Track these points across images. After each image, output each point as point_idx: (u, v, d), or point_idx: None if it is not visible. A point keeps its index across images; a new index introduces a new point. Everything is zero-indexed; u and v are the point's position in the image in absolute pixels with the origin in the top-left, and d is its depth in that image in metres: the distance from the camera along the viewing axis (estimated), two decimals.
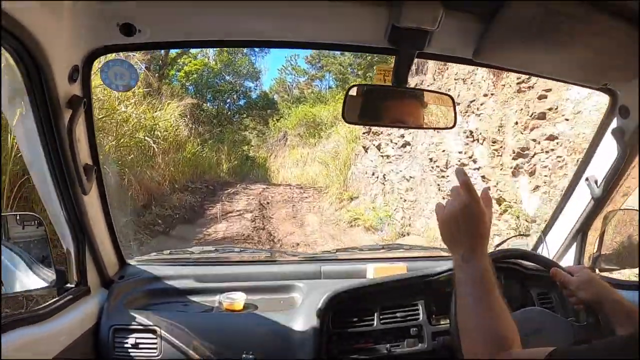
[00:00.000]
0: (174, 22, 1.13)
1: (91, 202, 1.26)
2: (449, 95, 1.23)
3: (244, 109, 20.57)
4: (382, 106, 1.18)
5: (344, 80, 20.82)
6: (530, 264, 1.47)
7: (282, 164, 18.74)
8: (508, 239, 1.77)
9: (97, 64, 1.19)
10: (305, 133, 18.11)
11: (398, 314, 1.44)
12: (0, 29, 0.83)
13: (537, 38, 1.06)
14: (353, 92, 1.17)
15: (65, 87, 1.08)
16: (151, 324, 1.33)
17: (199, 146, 12.99)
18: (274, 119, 20.89)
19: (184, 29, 1.16)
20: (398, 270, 1.56)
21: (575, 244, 1.57)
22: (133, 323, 1.33)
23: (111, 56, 1.22)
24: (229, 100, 19.93)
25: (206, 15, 1.10)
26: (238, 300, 1.44)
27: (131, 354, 1.31)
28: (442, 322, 1.45)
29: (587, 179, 1.49)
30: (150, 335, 1.32)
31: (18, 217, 1.34)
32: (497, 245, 1.52)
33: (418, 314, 1.45)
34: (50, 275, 1.26)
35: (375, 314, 1.43)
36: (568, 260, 1.60)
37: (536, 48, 1.12)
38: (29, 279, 1.27)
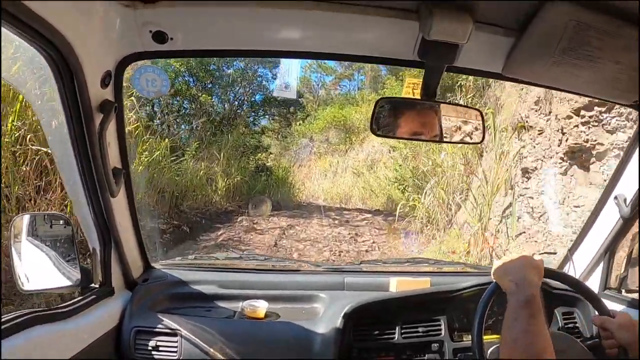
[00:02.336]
0: (205, 31, 1.15)
1: (119, 204, 1.28)
2: (479, 110, 1.22)
3: (259, 105, 14.61)
4: (411, 119, 1.18)
5: (376, 79, 18.69)
6: (556, 282, 1.44)
7: (307, 175, 16.34)
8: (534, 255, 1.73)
9: (129, 70, 1.22)
10: (335, 138, 16.39)
11: (420, 329, 1.43)
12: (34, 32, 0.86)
13: (567, 52, 1.04)
14: (382, 105, 1.17)
15: (98, 92, 1.10)
16: (173, 327, 1.34)
17: (188, 156, 9.03)
18: (297, 120, 17.36)
19: (215, 38, 1.17)
20: (421, 284, 1.54)
21: (602, 263, 1.54)
22: (155, 325, 1.34)
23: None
24: (240, 92, 13.26)
25: (237, 25, 1.12)
26: (260, 308, 1.44)
27: (152, 356, 1.32)
28: (464, 339, 1.44)
29: (615, 198, 1.46)
30: (171, 338, 1.33)
31: (46, 216, 1.37)
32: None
33: (440, 330, 1.44)
34: (76, 274, 1.28)
35: (397, 328, 1.42)
36: (594, 280, 1.56)
37: (566, 63, 1.10)
38: (55, 277, 1.30)
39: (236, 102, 13.11)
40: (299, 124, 17.30)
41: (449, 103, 1.38)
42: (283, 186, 12.76)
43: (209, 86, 12.10)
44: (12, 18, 0.79)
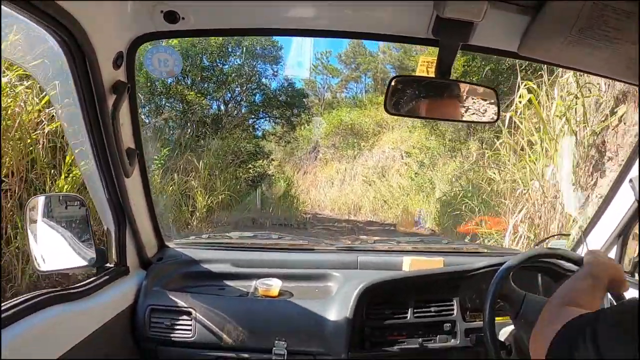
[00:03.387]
0: (217, 10, 1.14)
1: (133, 184, 1.29)
2: (493, 89, 1.21)
3: (258, 106, 12.19)
4: (425, 98, 1.16)
5: (384, 81, 17.17)
6: (569, 264, 1.43)
7: (312, 182, 14.97)
8: (548, 237, 1.72)
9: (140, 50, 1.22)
10: (342, 144, 14.78)
11: (432, 309, 1.43)
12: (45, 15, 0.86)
13: (584, 32, 1.02)
14: (395, 83, 1.16)
15: (110, 73, 1.11)
16: (187, 305, 1.36)
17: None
18: (302, 123, 14.89)
19: (227, 17, 1.16)
20: (434, 264, 1.55)
21: (615, 247, 1.53)
22: (169, 304, 1.36)
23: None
24: (237, 91, 11.28)
25: (248, 4, 1.11)
26: (274, 286, 1.46)
27: (166, 334, 1.34)
28: (476, 319, 1.44)
29: (630, 181, 1.44)
30: (185, 316, 1.35)
31: (61, 197, 1.39)
32: (537, 244, 1.48)
33: (452, 310, 1.44)
34: (91, 254, 1.30)
35: (410, 307, 1.42)
36: None
37: (582, 42, 1.08)
38: (70, 258, 1.32)
39: (231, 103, 11.24)
40: (304, 128, 15.49)
41: (464, 82, 1.36)
42: (284, 199, 10.81)
43: (200, 84, 10.35)
44: (25, 3, 0.79)
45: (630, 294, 1.33)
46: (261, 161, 11.54)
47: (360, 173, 12.98)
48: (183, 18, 1.12)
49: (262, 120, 12.55)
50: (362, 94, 18.61)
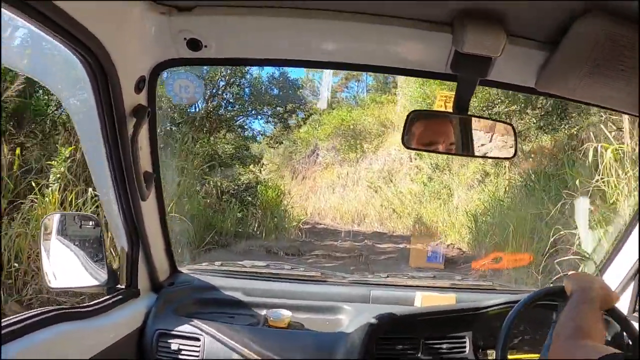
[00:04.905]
0: (239, 40, 1.16)
1: (148, 208, 1.30)
2: (510, 125, 1.21)
3: (249, 103, 9.98)
4: (443, 133, 1.17)
5: (386, 78, 16.10)
6: None
7: (312, 188, 13.51)
8: (563, 275, 1.70)
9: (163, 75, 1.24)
10: (344, 146, 13.49)
11: (444, 345, 1.41)
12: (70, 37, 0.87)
13: (600, 66, 1.02)
14: (413, 117, 1.16)
15: (131, 97, 1.12)
16: (196, 331, 1.35)
17: None
18: (299, 125, 13.69)
19: (249, 47, 1.19)
20: (447, 300, 1.53)
21: (632, 285, 1.49)
22: (178, 329, 1.36)
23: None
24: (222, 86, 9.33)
25: (271, 34, 1.13)
26: (284, 317, 1.44)
27: (173, 358, 1.33)
28: (488, 357, 1.41)
29: None
30: (193, 342, 1.34)
31: (76, 217, 1.40)
32: (553, 281, 1.46)
33: (464, 347, 1.41)
34: (103, 274, 1.30)
35: (421, 343, 1.40)
36: (624, 302, 1.52)
37: (598, 76, 1.08)
38: (82, 276, 1.32)
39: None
40: (301, 130, 14.37)
41: (481, 117, 1.36)
42: (276, 213, 8.80)
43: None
44: (50, 22, 0.81)
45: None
46: (255, 165, 9.99)
47: (364, 178, 11.77)
48: (206, 46, 1.14)
49: (255, 120, 10.88)
50: (364, 93, 17.26)
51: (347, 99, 17.47)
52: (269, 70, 10.08)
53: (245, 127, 10.46)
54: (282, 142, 12.93)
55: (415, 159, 10.29)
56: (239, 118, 10.22)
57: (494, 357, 1.30)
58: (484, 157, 1.20)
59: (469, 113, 1.16)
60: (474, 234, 7.16)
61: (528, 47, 1.08)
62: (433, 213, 8.87)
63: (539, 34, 1.06)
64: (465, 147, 1.18)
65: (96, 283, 1.31)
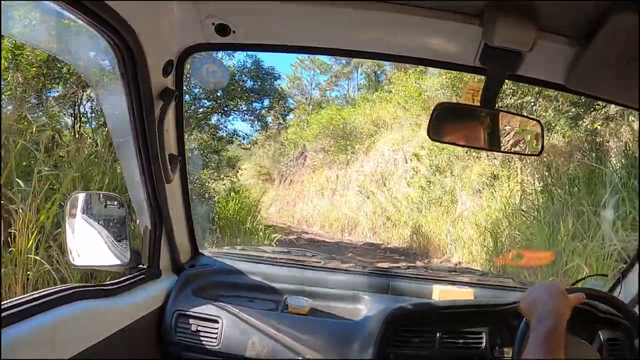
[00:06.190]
0: (268, 26, 1.17)
1: (173, 190, 1.32)
2: (538, 121, 1.19)
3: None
4: (469, 126, 1.16)
5: (377, 75, 15.65)
6: (605, 306, 1.39)
7: (300, 193, 12.70)
8: (584, 278, 1.67)
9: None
10: (333, 147, 12.55)
11: (460, 340, 1.40)
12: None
13: (632, 63, 1.00)
14: (440, 110, 1.15)
15: (159, 80, 1.14)
16: (214, 314, 1.37)
17: None
18: (286, 125, 12.69)
19: (277, 34, 1.19)
20: (464, 295, 1.52)
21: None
22: (197, 311, 1.38)
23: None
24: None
25: (300, 22, 1.13)
26: (303, 303, 1.45)
27: (191, 340, 1.35)
28: (505, 355, 1.40)
29: None
30: (212, 324, 1.36)
31: (101, 196, 1.43)
32: (573, 284, 1.44)
33: (481, 343, 1.41)
34: (125, 254, 1.33)
35: (437, 337, 1.40)
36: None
37: (630, 74, 1.05)
38: (105, 255, 1.35)
39: None
40: (287, 130, 13.54)
41: (509, 112, 1.35)
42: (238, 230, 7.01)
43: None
44: (81, 6, 0.83)
45: None
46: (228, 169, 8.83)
47: (355, 181, 10.93)
48: (234, 32, 1.15)
49: (234, 119, 9.42)
50: (355, 92, 16.53)
51: (337, 98, 16.95)
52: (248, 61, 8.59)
53: (223, 127, 8.82)
54: (257, 144, 10.88)
55: (411, 160, 9.41)
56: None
57: (511, 356, 1.29)
58: (510, 152, 1.19)
59: (496, 107, 1.15)
60: (489, 252, 6.07)
61: (559, 43, 1.06)
62: (434, 223, 7.87)
63: (570, 30, 1.04)
64: (492, 142, 1.17)
65: (118, 262, 1.33)
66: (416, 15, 1.05)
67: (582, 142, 5.90)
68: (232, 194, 8.21)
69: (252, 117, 9.07)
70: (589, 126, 5.89)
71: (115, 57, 1.03)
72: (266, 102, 9.13)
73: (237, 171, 9.56)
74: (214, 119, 8.49)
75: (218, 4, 1.10)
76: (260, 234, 7.32)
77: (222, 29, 1.15)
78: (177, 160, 1.28)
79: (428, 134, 1.13)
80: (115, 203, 1.36)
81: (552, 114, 6.21)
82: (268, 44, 1.23)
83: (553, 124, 6.23)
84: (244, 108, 8.85)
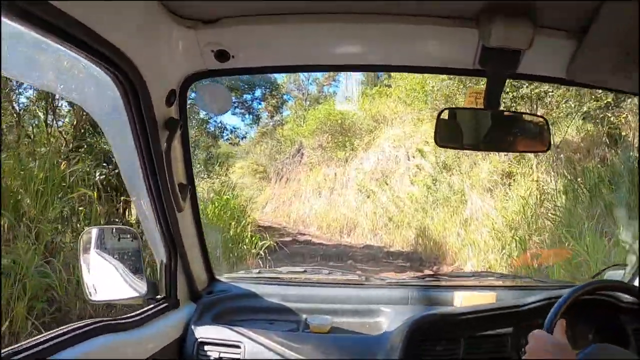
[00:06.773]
0: (266, 48, 1.18)
1: (185, 219, 1.32)
2: (543, 118, 1.19)
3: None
4: (475, 130, 1.16)
5: (377, 73, 14.29)
6: (627, 297, 1.37)
7: (296, 192, 12.20)
8: (605, 269, 1.65)
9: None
10: (331, 143, 12.01)
11: (484, 345, 1.38)
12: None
13: (631, 52, 1.00)
14: (445, 115, 1.16)
15: (163, 110, 1.15)
16: (235, 339, 1.36)
17: None
18: (281, 122, 12.74)
19: (276, 55, 1.21)
20: (487, 299, 1.50)
21: None
22: (218, 337, 1.37)
23: None
24: None
25: (297, 41, 1.15)
26: (324, 322, 1.44)
27: None
28: None
29: None
30: (234, 350, 1.35)
31: (114, 230, 1.44)
32: (594, 277, 1.42)
33: (506, 346, 1.39)
34: (142, 286, 1.33)
35: (461, 344, 1.38)
36: None
37: (629, 64, 1.06)
38: (122, 289, 1.35)
39: None
40: (283, 127, 13.40)
41: (513, 112, 1.35)
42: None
43: None
44: (79, 41, 0.83)
45: None
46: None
47: (354, 179, 10.41)
48: (233, 56, 1.16)
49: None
50: (353, 87, 15.34)
51: (334, 95, 16.13)
52: None
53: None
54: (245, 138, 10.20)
55: (414, 157, 8.87)
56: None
57: None
58: (517, 151, 1.19)
59: (500, 109, 1.15)
60: (510, 259, 5.38)
61: (556, 38, 1.07)
62: (442, 225, 7.26)
63: (567, 23, 1.04)
64: (499, 143, 1.17)
65: (136, 295, 1.33)
66: (412, 24, 1.06)
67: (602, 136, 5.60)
68: (213, 195, 7.18)
69: (243, 110, 9.04)
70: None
71: (118, 90, 1.04)
72: (258, 94, 9.15)
73: (227, 169, 9.12)
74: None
75: (215, 31, 1.11)
76: (247, 241, 6.35)
77: (222, 55, 1.16)
78: (187, 188, 1.29)
79: (435, 141, 1.14)
80: (129, 236, 1.36)
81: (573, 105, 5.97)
82: (268, 66, 1.25)
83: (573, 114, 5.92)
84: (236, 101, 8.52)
